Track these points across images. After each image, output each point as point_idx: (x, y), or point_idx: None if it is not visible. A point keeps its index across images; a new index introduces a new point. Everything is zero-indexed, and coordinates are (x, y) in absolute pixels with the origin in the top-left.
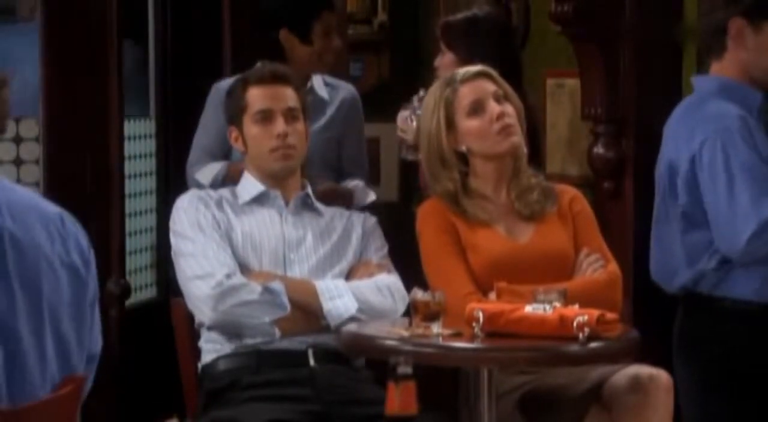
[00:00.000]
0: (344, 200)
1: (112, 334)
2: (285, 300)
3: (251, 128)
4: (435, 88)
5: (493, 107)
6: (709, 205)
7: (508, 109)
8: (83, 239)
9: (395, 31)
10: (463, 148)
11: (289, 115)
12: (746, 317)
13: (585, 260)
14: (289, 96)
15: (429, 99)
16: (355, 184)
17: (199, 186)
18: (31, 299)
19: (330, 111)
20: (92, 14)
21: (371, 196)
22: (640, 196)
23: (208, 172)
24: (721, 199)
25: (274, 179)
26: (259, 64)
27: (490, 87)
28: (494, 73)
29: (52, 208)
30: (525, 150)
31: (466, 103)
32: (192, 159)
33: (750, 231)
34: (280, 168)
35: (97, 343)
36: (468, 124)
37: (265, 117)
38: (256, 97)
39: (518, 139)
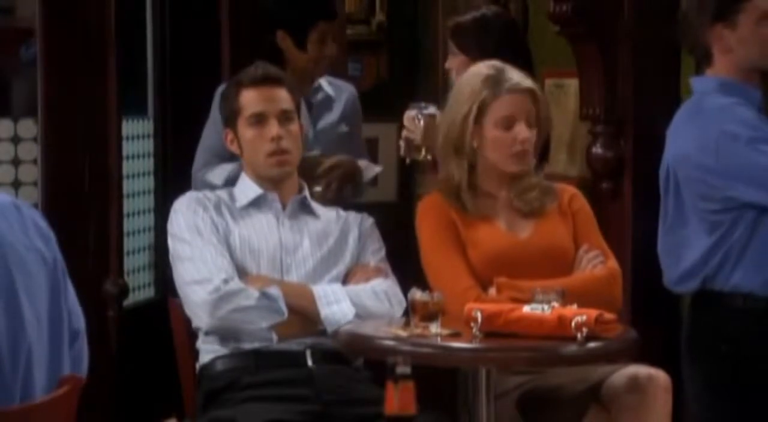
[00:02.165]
0: (354, 170)
1: (110, 334)
2: (282, 305)
3: (246, 131)
4: (478, 77)
5: (521, 130)
6: (755, 177)
7: (533, 134)
8: (40, 220)
9: (393, 32)
10: (475, 144)
11: (283, 117)
12: (755, 315)
13: (585, 256)
14: (282, 98)
15: (467, 85)
16: (359, 161)
17: (210, 187)
18: (7, 293)
19: (338, 107)
20: (90, 14)
21: (376, 169)
22: (638, 197)
23: (220, 172)
24: (756, 164)
25: (271, 182)
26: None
27: (528, 107)
28: (540, 93)
29: (3, 198)
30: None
31: (499, 115)
32: (199, 162)
33: None
34: (276, 174)
35: (78, 318)
36: (491, 133)
37: (259, 120)
38: (250, 99)
39: (528, 165)
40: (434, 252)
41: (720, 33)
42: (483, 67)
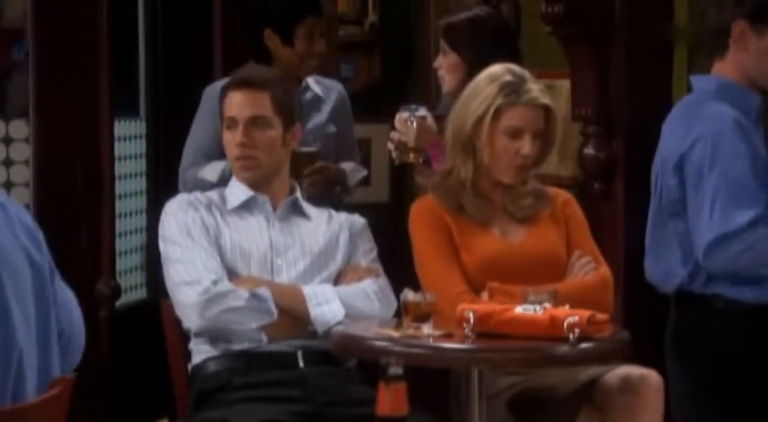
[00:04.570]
0: (338, 178)
1: (102, 335)
2: (272, 306)
3: (224, 134)
4: (496, 81)
5: (526, 144)
6: (688, 205)
7: (536, 146)
8: (27, 217)
9: (386, 32)
10: (479, 147)
11: (251, 123)
12: (738, 316)
13: (577, 262)
14: (257, 103)
15: (484, 87)
16: (346, 164)
17: (198, 185)
18: None
19: (326, 107)
20: (82, 14)
21: (362, 172)
22: (630, 197)
23: (212, 169)
24: (697, 202)
25: (256, 185)
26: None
27: (538, 122)
28: (555, 111)
29: None
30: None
31: (509, 123)
32: (187, 161)
33: (707, 240)
34: (242, 178)
35: (65, 316)
36: (497, 139)
37: (230, 125)
38: (228, 102)
39: (525, 178)
40: (428, 255)
41: (744, 30)
42: (503, 71)
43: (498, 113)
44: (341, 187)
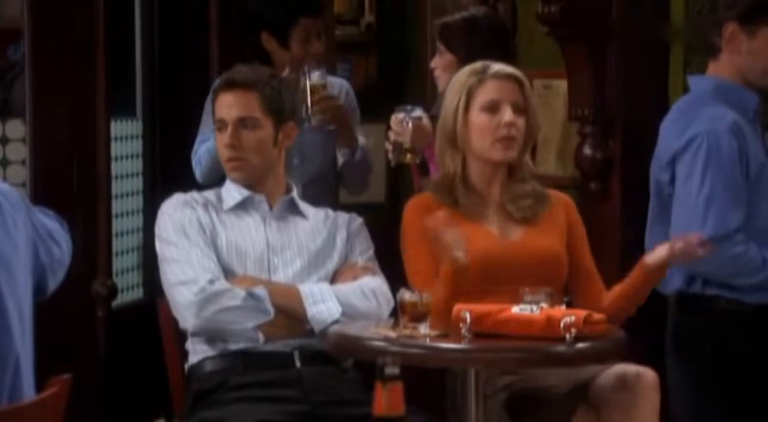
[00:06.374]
0: (349, 123)
1: (99, 335)
2: (268, 305)
3: (216, 135)
4: (465, 72)
5: (506, 113)
6: (674, 201)
7: (520, 122)
8: (20, 213)
9: (382, 32)
10: (464, 133)
11: (240, 125)
12: (738, 316)
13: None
14: (245, 104)
15: (457, 80)
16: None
17: (212, 153)
18: None
19: None
20: (79, 14)
21: (363, 139)
22: (627, 197)
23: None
24: (686, 201)
25: (251, 184)
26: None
27: (515, 93)
28: (527, 82)
29: None
30: (529, 162)
31: (483, 99)
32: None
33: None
34: (233, 179)
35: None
36: (477, 118)
37: (219, 126)
38: (218, 104)
39: (514, 153)
40: (414, 246)
41: (736, 32)
42: (472, 64)
43: (471, 94)
44: (350, 149)
